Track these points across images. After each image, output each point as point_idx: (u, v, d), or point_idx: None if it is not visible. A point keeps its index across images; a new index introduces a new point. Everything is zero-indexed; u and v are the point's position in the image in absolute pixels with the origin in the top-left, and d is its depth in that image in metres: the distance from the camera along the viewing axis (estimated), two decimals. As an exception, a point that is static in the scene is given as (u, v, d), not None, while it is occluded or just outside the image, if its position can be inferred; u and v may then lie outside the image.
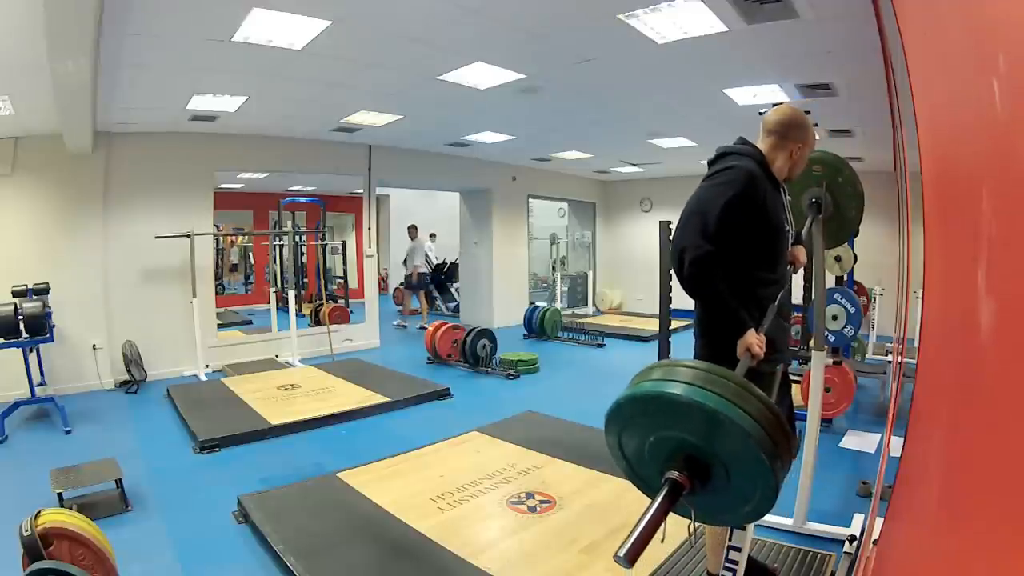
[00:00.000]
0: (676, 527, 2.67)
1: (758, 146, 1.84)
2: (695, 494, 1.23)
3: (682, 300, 5.54)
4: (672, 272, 1.89)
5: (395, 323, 9.32)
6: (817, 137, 1.93)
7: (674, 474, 1.23)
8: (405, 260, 9.27)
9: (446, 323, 6.74)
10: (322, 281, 8.56)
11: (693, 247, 1.58)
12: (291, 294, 6.61)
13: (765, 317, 1.65)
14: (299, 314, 6.89)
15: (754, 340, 1.54)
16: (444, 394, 5.08)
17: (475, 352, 6.16)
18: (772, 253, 1.74)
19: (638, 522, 1.18)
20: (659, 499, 1.22)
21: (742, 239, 1.65)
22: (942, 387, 1.06)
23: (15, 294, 4.42)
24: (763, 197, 1.67)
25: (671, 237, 2.38)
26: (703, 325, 1.83)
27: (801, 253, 1.97)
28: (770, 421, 1.18)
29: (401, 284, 9.44)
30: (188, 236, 5.73)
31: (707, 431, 1.20)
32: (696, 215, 1.63)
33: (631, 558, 1.13)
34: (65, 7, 2.55)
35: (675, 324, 5.85)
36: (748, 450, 1.18)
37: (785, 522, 2.69)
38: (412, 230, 9.28)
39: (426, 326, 8.61)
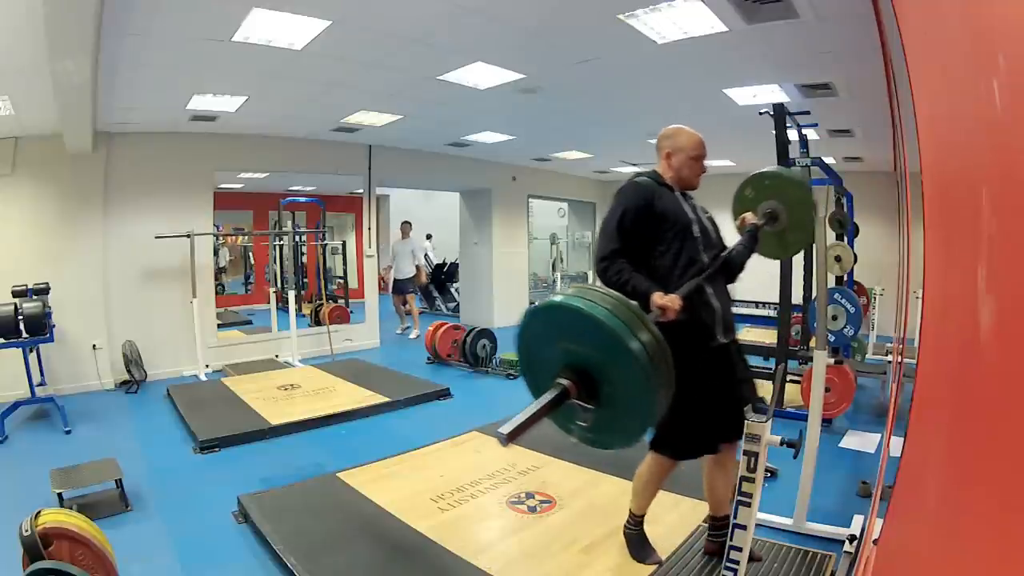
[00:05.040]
0: (677, 528, 2.66)
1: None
2: (585, 408, 1.40)
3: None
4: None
5: (397, 331, 8.61)
6: (694, 137, 2.26)
7: (565, 381, 1.38)
8: (390, 264, 8.47)
9: (446, 323, 6.74)
10: (322, 281, 8.55)
11: (600, 253, 2.08)
12: (291, 294, 6.61)
13: (682, 287, 1.95)
14: (299, 314, 6.89)
15: (658, 298, 1.87)
16: (444, 394, 5.07)
17: (475, 352, 6.16)
18: (677, 242, 2.11)
19: (525, 411, 1.34)
20: (547, 398, 1.37)
21: (643, 236, 2.08)
22: (942, 387, 1.06)
23: (15, 294, 4.41)
24: (651, 202, 2.11)
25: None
26: None
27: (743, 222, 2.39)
28: (657, 352, 1.34)
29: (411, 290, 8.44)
30: (188, 236, 5.73)
31: (600, 346, 1.35)
32: (603, 227, 2.12)
33: (510, 437, 1.30)
34: (65, 7, 2.55)
35: (675, 324, 5.87)
36: (633, 372, 1.33)
37: (785, 522, 2.69)
38: (405, 226, 8.56)
39: (407, 327, 8.45)
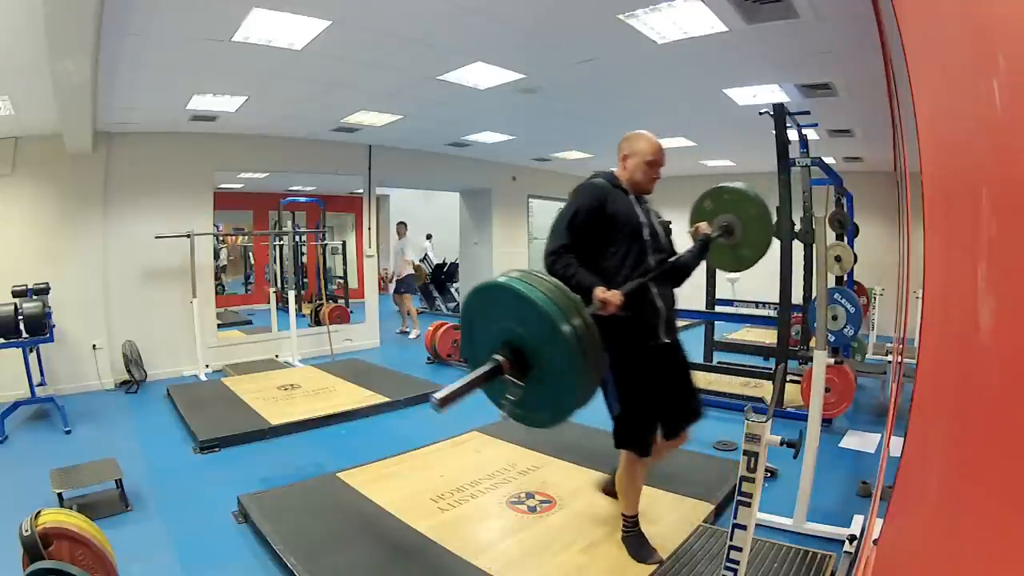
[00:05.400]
0: (677, 528, 2.66)
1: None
2: (516, 385, 1.51)
3: (682, 300, 5.54)
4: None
5: (397, 331, 8.62)
6: (652, 143, 2.32)
7: (500, 357, 1.50)
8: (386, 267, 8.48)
9: (446, 323, 6.73)
10: (322, 281, 8.55)
11: (549, 248, 2.15)
12: (291, 294, 6.60)
13: (625, 284, 2.05)
14: (299, 314, 6.89)
15: (600, 292, 1.97)
16: (444, 394, 5.07)
17: (475, 352, 6.15)
18: (626, 243, 2.19)
19: (460, 381, 1.47)
20: (482, 370, 1.50)
21: (593, 236, 2.16)
22: (942, 387, 1.06)
23: (15, 294, 4.42)
24: (604, 203, 2.19)
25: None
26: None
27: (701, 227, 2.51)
28: (586, 337, 1.43)
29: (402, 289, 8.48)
30: (188, 236, 5.73)
31: (534, 327, 1.45)
32: (555, 224, 2.19)
33: (442, 403, 1.43)
34: (65, 7, 2.55)
35: (675, 324, 5.88)
36: (562, 354, 1.43)
37: (785, 522, 2.69)
38: (400, 227, 8.64)
39: (407, 331, 8.47)
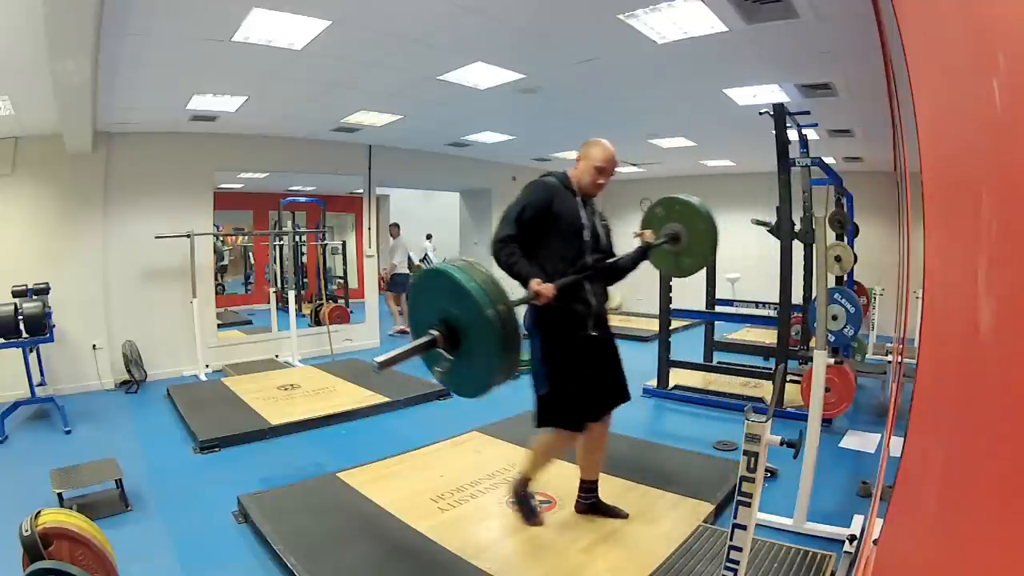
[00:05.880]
0: (677, 528, 2.66)
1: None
2: (445, 357, 1.78)
3: (682, 300, 5.56)
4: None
5: (390, 332, 8.35)
6: (605, 152, 2.44)
7: (434, 332, 1.76)
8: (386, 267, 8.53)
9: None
10: (322, 281, 8.55)
11: (497, 235, 2.31)
12: (291, 294, 6.60)
13: (562, 279, 2.24)
14: (299, 314, 6.89)
15: (535, 284, 2.17)
16: (444, 394, 5.07)
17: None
18: (565, 240, 2.38)
19: (400, 348, 1.74)
20: (420, 341, 1.76)
21: (537, 231, 2.33)
22: (942, 387, 1.06)
23: (15, 294, 4.42)
24: (550, 202, 2.36)
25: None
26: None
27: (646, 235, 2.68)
28: (508, 322, 1.67)
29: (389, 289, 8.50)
30: (188, 236, 5.73)
31: (464, 309, 1.70)
32: (505, 214, 2.35)
33: (382, 366, 1.68)
34: (65, 7, 2.55)
35: (675, 324, 5.86)
36: (485, 335, 1.67)
37: (785, 522, 2.69)
38: (393, 228, 8.78)
39: (407, 330, 8.46)
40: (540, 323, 2.36)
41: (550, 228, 2.35)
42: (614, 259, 2.54)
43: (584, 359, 2.39)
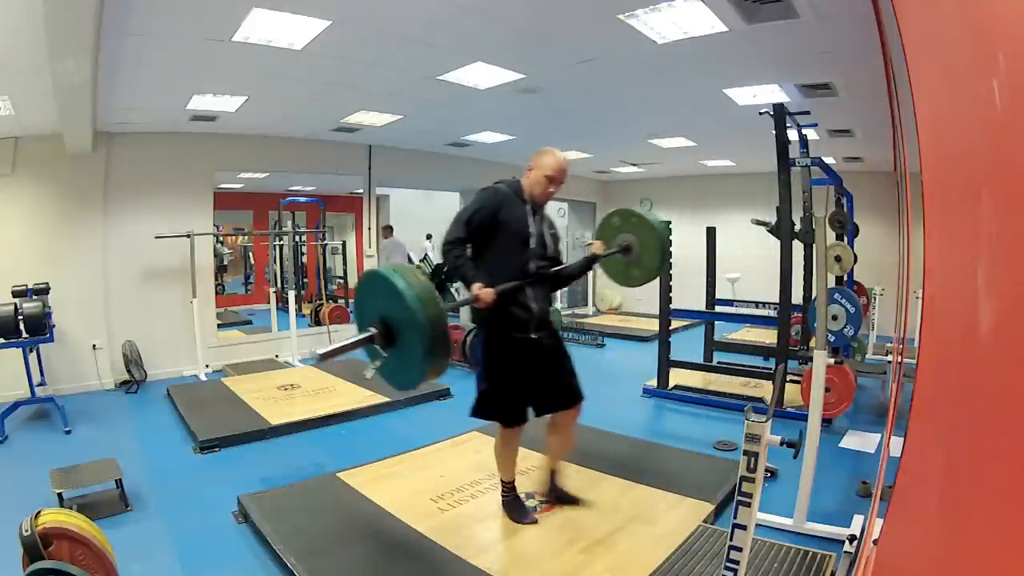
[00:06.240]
0: (677, 528, 2.66)
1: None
2: (385, 349, 1.97)
3: (682, 300, 5.55)
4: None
5: None
6: (556, 161, 2.53)
7: (372, 329, 1.94)
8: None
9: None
10: (322, 281, 8.55)
11: (447, 237, 2.44)
12: (291, 294, 6.61)
13: (502, 285, 2.35)
14: (299, 314, 6.89)
15: (476, 288, 2.29)
16: (444, 394, 5.07)
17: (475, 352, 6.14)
18: (511, 246, 2.49)
19: (341, 341, 1.96)
20: (359, 336, 1.96)
21: (484, 236, 2.45)
22: (942, 387, 1.06)
23: (15, 294, 4.41)
24: (499, 210, 2.47)
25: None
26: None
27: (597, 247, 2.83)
28: (437, 326, 1.84)
29: None
30: (188, 236, 5.73)
31: (400, 311, 1.85)
32: (457, 217, 2.49)
33: (322, 357, 1.97)
34: (65, 7, 2.55)
35: (675, 324, 5.86)
36: (416, 336, 1.83)
37: (785, 522, 2.69)
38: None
39: None
40: (482, 322, 2.53)
41: (496, 234, 2.47)
42: (560, 267, 2.65)
43: (523, 360, 2.50)
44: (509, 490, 2.79)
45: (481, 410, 2.56)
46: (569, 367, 2.68)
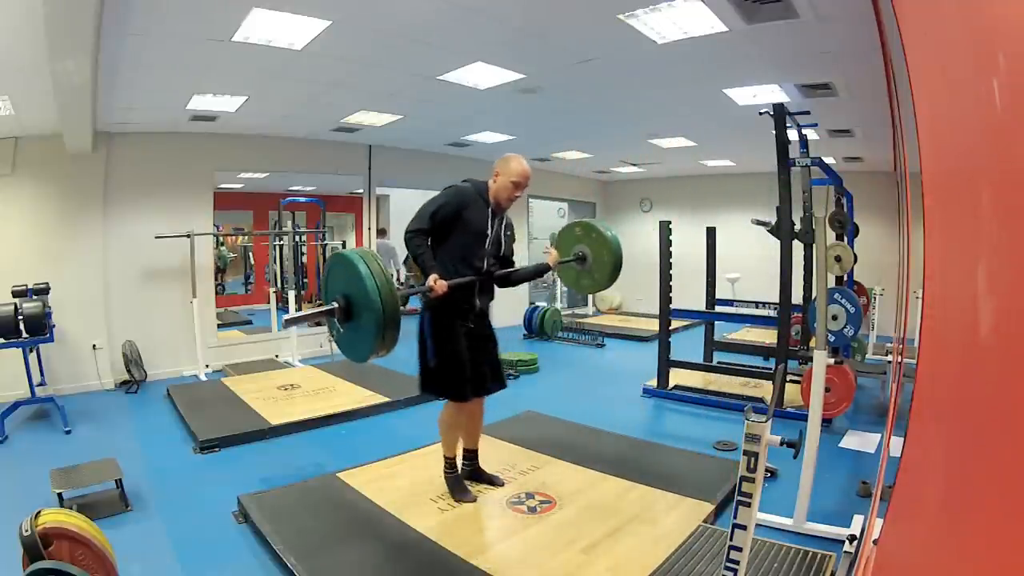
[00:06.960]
0: (677, 528, 2.66)
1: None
2: (342, 324, 2.27)
3: (682, 300, 5.57)
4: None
5: None
6: (521, 167, 2.79)
7: (334, 303, 2.23)
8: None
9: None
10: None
11: (411, 226, 2.63)
12: (291, 294, 6.61)
13: (455, 277, 2.61)
14: (299, 314, 6.88)
15: (431, 279, 2.50)
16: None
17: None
18: (467, 244, 2.71)
19: (305, 311, 2.39)
20: (322, 308, 2.29)
21: (444, 230, 2.66)
22: (942, 387, 1.06)
23: (15, 294, 4.41)
24: (462, 208, 2.68)
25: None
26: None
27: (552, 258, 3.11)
28: (388, 308, 2.09)
29: None
30: (188, 236, 5.73)
31: (359, 291, 2.13)
32: (422, 208, 2.67)
33: (286, 323, 2.47)
34: (65, 7, 2.55)
35: (675, 324, 5.86)
36: (369, 315, 2.11)
37: (785, 522, 2.69)
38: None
39: None
40: (434, 307, 2.71)
41: (455, 229, 2.68)
42: (513, 269, 2.91)
43: (466, 343, 2.75)
44: (451, 467, 2.99)
45: (433, 386, 2.79)
46: (497, 354, 2.93)
